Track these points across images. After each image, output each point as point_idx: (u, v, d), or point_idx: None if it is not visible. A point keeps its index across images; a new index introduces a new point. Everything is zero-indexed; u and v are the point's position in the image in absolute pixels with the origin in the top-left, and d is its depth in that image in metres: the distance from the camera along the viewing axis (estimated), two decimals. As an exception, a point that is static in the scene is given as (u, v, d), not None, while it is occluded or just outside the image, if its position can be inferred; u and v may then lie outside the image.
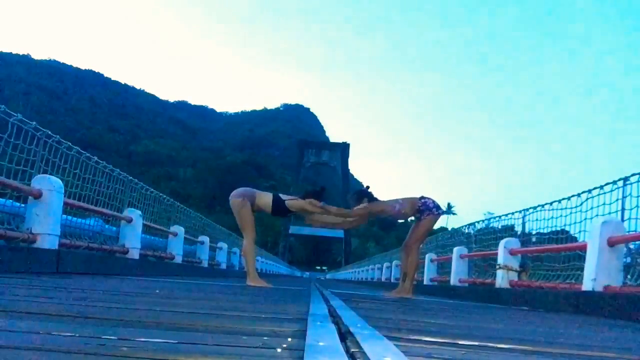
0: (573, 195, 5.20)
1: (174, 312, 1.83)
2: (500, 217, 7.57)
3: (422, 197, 5.61)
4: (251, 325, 1.51)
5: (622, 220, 4.33)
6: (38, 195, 4.41)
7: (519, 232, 6.77)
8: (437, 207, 5.58)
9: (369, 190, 5.74)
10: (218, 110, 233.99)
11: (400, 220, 5.64)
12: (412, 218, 5.69)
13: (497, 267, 6.29)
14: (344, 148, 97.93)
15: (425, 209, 5.49)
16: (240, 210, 5.31)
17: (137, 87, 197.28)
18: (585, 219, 4.97)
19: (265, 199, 5.29)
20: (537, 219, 6.22)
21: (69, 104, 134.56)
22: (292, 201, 5.30)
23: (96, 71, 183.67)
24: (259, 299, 3.13)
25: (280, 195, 5.39)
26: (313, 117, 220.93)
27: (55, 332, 1.14)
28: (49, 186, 4.50)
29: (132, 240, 6.73)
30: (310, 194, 5.39)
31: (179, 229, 9.13)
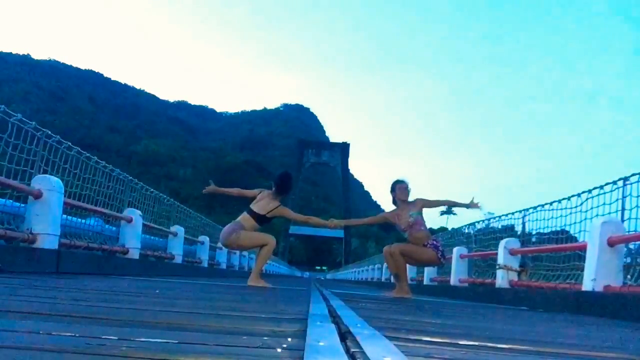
0: (573, 195, 5.20)
1: (174, 312, 1.83)
2: (500, 217, 7.57)
3: (437, 240, 5.53)
4: (251, 325, 1.51)
5: (622, 220, 4.33)
6: (38, 195, 4.41)
7: (519, 232, 6.77)
8: (443, 255, 5.44)
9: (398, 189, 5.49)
10: (218, 110, 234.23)
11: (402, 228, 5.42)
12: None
13: (497, 267, 6.29)
14: (344, 148, 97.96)
15: (433, 247, 5.31)
16: (242, 238, 5.18)
17: (137, 87, 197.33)
18: (585, 219, 4.98)
19: (249, 222, 5.22)
20: (537, 219, 6.22)
21: (69, 104, 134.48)
22: (273, 211, 5.27)
23: (96, 71, 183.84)
24: (259, 299, 3.13)
25: (252, 207, 5.29)
26: (313, 117, 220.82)
27: (55, 332, 1.14)
28: (49, 186, 4.49)
29: (132, 240, 6.73)
30: (279, 187, 5.36)
31: (179, 229, 9.14)
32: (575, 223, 5.22)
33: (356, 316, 2.02)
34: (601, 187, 4.68)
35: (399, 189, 5.48)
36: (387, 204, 5.69)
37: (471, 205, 5.41)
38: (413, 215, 5.34)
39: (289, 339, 1.22)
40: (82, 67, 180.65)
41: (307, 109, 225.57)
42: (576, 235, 5.28)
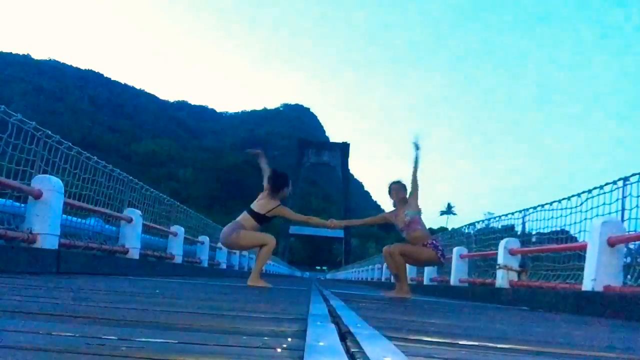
0: (573, 195, 5.20)
1: (174, 312, 1.83)
2: (500, 217, 7.58)
3: (436, 240, 5.53)
4: (251, 325, 1.51)
5: (622, 220, 4.33)
6: (38, 195, 4.41)
7: (519, 232, 6.77)
8: (443, 254, 5.45)
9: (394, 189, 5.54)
10: (218, 110, 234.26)
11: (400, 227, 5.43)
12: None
13: (497, 267, 6.29)
14: (344, 148, 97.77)
15: (433, 247, 5.31)
16: (241, 238, 5.18)
17: (137, 87, 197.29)
18: (585, 219, 4.97)
19: (249, 221, 5.23)
20: (537, 219, 6.22)
21: (69, 104, 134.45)
22: (273, 210, 5.27)
23: (96, 71, 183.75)
24: (259, 299, 3.13)
25: (252, 206, 5.29)
26: (313, 117, 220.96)
27: (55, 332, 1.14)
28: (49, 186, 4.49)
29: (132, 240, 6.73)
30: (275, 185, 5.35)
31: (179, 229, 9.13)
32: (575, 223, 5.23)
33: (356, 316, 2.02)
34: (601, 187, 4.68)
35: (394, 189, 5.55)
36: (387, 204, 5.70)
37: (415, 144, 5.43)
38: (409, 214, 5.36)
39: (289, 339, 1.22)
40: (82, 67, 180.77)
41: (307, 109, 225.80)
42: (576, 235, 5.28)
